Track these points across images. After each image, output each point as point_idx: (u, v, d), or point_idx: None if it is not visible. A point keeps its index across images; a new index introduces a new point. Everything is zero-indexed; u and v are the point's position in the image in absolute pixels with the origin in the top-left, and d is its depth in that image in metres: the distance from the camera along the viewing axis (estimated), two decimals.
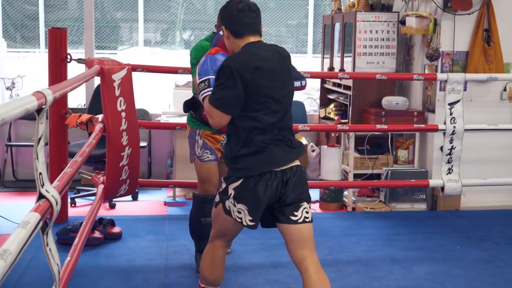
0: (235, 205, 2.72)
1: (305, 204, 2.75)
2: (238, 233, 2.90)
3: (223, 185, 2.80)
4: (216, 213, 2.85)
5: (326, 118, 6.18)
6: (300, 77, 3.31)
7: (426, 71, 5.28)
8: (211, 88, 2.75)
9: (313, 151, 6.33)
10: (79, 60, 4.50)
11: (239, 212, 2.71)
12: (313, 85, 7.34)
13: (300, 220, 2.72)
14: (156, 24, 8.68)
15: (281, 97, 2.75)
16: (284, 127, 2.77)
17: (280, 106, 2.74)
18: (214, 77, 2.77)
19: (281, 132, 2.75)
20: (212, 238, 2.91)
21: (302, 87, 3.27)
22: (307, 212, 2.74)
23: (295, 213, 2.72)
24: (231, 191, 2.73)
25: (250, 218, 2.71)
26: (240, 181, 2.71)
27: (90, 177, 4.57)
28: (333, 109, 6.12)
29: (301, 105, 6.53)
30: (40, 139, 2.06)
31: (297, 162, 2.78)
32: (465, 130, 4.82)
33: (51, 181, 2.32)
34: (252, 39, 2.78)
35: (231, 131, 2.79)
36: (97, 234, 4.25)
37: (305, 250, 2.73)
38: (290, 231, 2.73)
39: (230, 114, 2.71)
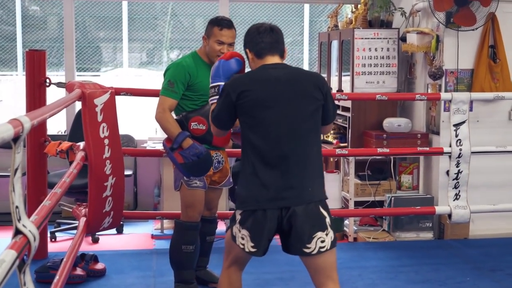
0: (240, 231, 2.85)
1: (319, 234, 2.80)
2: (249, 259, 2.99)
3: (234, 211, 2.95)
4: (227, 239, 2.99)
5: (324, 141, 6.19)
6: None
7: (429, 91, 5.33)
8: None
9: None
10: (59, 84, 4.51)
11: (243, 238, 2.83)
12: None
13: (314, 252, 2.80)
14: (141, 44, 8.72)
15: (284, 123, 2.82)
16: (292, 157, 2.81)
17: (283, 131, 2.82)
18: (224, 83, 3.00)
19: (288, 163, 2.80)
20: (226, 264, 3.02)
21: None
22: (322, 241, 2.80)
23: (308, 246, 2.80)
24: (238, 216, 2.88)
25: (252, 245, 2.82)
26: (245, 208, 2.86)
27: (71, 210, 4.56)
28: (332, 132, 6.15)
29: None
30: (16, 169, 2.07)
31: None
32: (472, 152, 4.85)
33: (29, 215, 2.32)
34: (270, 59, 2.94)
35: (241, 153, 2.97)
36: (79, 271, 4.23)
37: (323, 279, 2.85)
38: (306, 262, 2.88)
39: (222, 129, 3.02)
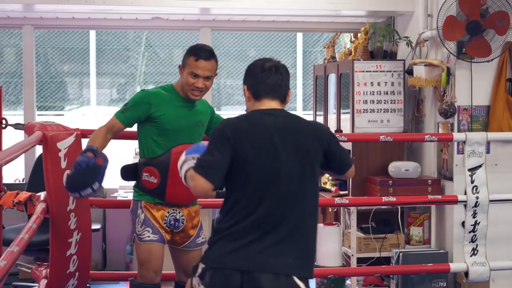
0: (199, 285, 2.89)
1: None
2: None
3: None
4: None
5: (322, 189, 6.20)
6: None
7: (440, 131, 5.37)
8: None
9: None
10: (17, 126, 4.51)
11: None
12: None
13: None
14: (111, 78, 8.78)
15: (274, 179, 2.83)
16: (283, 222, 2.81)
17: (273, 189, 2.82)
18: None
19: (275, 227, 2.81)
20: None
21: None
22: None
23: None
24: (199, 270, 2.92)
25: None
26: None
27: (30, 270, 4.52)
28: (330, 178, 6.17)
29: None
30: None
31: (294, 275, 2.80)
32: (490, 201, 4.85)
33: None
34: (268, 104, 2.95)
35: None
36: None
37: None
38: None
39: (212, 182, 2.80)
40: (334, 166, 3.05)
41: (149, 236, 3.71)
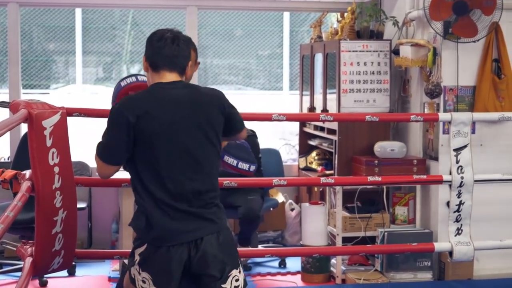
0: (139, 273, 2.88)
1: (234, 272, 2.94)
2: None
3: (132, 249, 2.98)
4: (125, 283, 3.02)
5: (307, 169, 6.22)
6: (249, 158, 3.42)
7: (426, 111, 5.38)
8: None
9: (292, 210, 6.35)
10: (2, 104, 4.49)
11: (144, 282, 2.86)
12: (291, 128, 7.43)
13: None
14: (97, 57, 8.72)
15: (183, 153, 2.88)
16: (193, 191, 2.89)
17: (183, 163, 2.88)
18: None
19: (186, 197, 2.89)
20: None
21: (248, 172, 3.40)
22: (236, 281, 2.95)
23: (223, 286, 2.90)
24: (136, 257, 2.91)
25: None
26: (145, 245, 2.88)
27: (15, 248, 4.51)
28: (316, 158, 6.18)
29: (276, 153, 6.57)
30: None
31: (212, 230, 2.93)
32: (475, 181, 4.87)
33: None
34: (169, 77, 2.94)
35: (132, 187, 2.98)
36: None
37: None
38: None
39: (114, 163, 2.93)
40: (229, 128, 3.09)
41: None
